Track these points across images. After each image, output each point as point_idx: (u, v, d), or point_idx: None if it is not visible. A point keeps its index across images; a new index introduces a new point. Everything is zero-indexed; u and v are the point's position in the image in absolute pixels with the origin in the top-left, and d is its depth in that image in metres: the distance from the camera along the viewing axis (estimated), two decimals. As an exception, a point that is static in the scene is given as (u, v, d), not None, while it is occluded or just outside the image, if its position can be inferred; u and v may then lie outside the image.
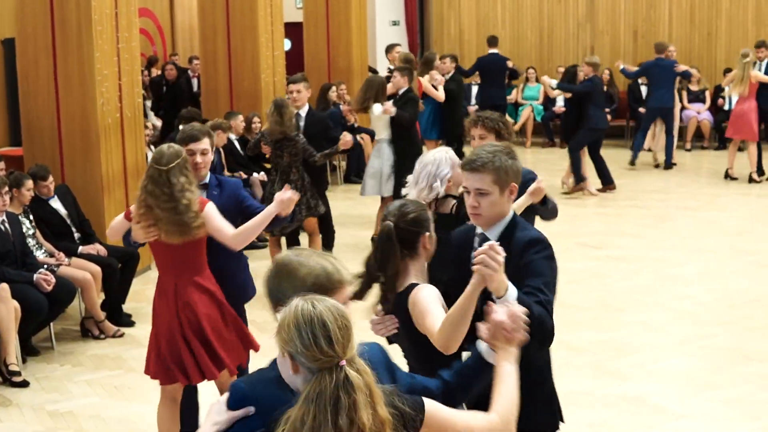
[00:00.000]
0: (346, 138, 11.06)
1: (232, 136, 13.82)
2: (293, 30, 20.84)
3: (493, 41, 19.86)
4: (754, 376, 8.47)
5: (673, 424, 7.58)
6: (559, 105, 21.59)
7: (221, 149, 13.30)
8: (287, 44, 18.99)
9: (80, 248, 10.04)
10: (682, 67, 18.69)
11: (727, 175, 17.42)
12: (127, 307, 10.26)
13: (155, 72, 19.69)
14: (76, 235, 10.26)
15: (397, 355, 4.18)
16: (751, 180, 17.11)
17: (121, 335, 9.81)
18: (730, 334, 9.55)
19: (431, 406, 3.57)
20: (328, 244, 11.93)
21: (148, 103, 18.11)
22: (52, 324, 9.48)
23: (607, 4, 23.12)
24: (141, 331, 9.78)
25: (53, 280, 8.94)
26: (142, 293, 10.97)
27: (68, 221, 10.22)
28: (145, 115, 14.65)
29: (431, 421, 3.54)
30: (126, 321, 10.09)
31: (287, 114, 10.47)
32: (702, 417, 7.69)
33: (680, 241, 13.22)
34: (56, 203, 10.18)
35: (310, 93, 11.76)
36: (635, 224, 14.28)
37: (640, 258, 12.40)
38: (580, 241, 13.24)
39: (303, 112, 11.31)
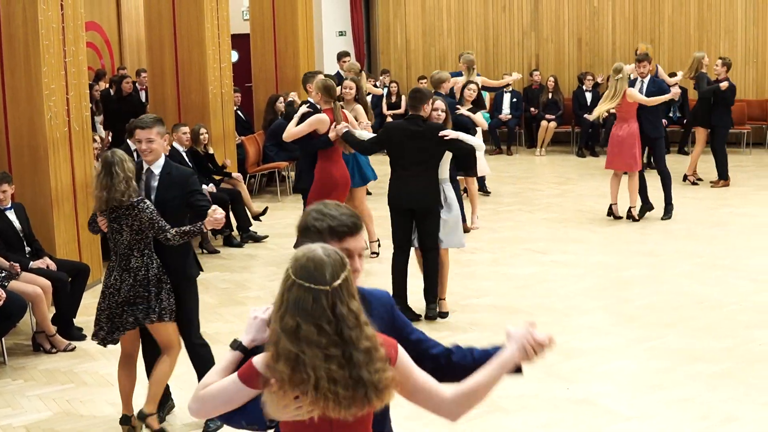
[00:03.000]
0: (215, 215, 7.20)
1: (181, 148, 13.83)
2: (240, 41, 20.86)
3: None
4: (702, 376, 8.61)
5: (621, 426, 7.68)
6: (505, 113, 21.86)
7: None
8: (234, 56, 19.03)
9: (30, 263, 10.04)
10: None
11: (611, 212, 15.19)
12: (78, 321, 10.26)
13: (103, 85, 19.63)
14: (27, 250, 10.25)
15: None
16: (629, 216, 14.96)
17: (73, 349, 9.80)
18: (677, 335, 9.70)
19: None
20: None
21: (98, 118, 18.05)
22: (3, 339, 9.46)
23: (551, 13, 23.35)
24: (92, 345, 9.74)
25: (3, 295, 8.93)
26: (92, 307, 10.90)
27: (21, 235, 10.21)
28: (94, 129, 14.63)
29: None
30: (77, 335, 10.09)
31: (120, 174, 7.28)
32: (650, 418, 7.80)
33: (625, 246, 13.39)
34: (11, 215, 10.18)
35: (168, 142, 8.46)
36: (580, 229, 14.43)
37: (585, 263, 12.55)
38: (526, 247, 13.38)
39: (157, 169, 7.57)
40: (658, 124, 14.99)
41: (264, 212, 15.13)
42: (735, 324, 10.03)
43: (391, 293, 3.99)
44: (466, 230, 13.36)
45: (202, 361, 7.80)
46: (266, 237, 14.32)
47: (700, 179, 17.80)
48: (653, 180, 14.91)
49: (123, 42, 22.83)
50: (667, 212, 14.91)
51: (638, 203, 14.88)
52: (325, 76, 12.47)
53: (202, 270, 8.11)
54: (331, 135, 11.16)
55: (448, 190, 10.25)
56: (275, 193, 17.70)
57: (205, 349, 7.86)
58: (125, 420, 7.74)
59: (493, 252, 13.13)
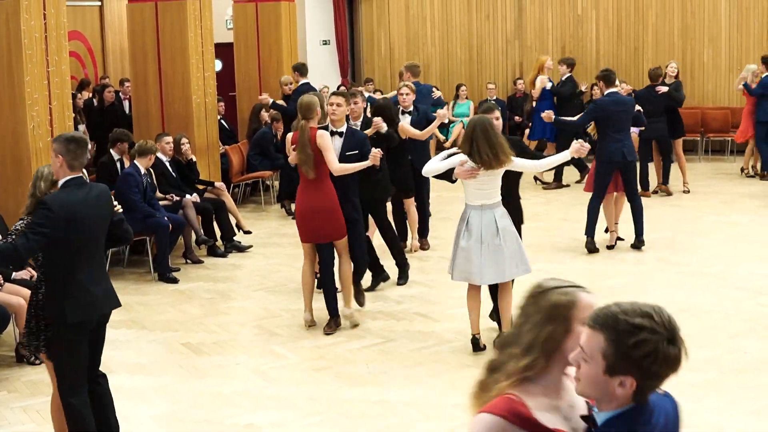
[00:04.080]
0: None
1: (164, 158, 13.80)
2: (224, 50, 20.83)
3: None
4: (687, 386, 8.58)
5: (606, 435, 7.67)
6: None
7: (152, 171, 13.29)
8: (218, 65, 18.98)
9: (13, 273, 9.98)
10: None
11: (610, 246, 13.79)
12: (61, 332, 10.21)
13: (87, 95, 19.58)
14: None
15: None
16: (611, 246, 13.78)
17: (56, 360, 9.75)
18: (661, 344, 9.67)
19: None
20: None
21: (81, 127, 17.99)
22: (-14, 350, 9.43)
23: (535, 21, 23.38)
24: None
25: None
26: (76, 317, 10.93)
27: (1, 246, 10.15)
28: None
29: None
30: (61, 345, 10.03)
31: (31, 190, 7.53)
32: (635, 427, 7.79)
33: (608, 254, 13.37)
34: (-11, 226, 10.14)
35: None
36: (568, 238, 14.41)
37: (569, 271, 12.52)
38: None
39: None
40: (605, 148, 13.30)
41: (248, 233, 15.05)
42: (721, 333, 10.03)
43: None
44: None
45: (69, 422, 7.06)
46: (250, 247, 14.28)
47: (686, 191, 17.80)
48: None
49: (106, 51, 22.79)
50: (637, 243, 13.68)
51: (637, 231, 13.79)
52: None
53: (84, 317, 6.93)
54: (290, 159, 10.40)
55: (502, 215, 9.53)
56: (259, 203, 17.66)
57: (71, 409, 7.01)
58: None
59: (478, 261, 13.10)
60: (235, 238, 14.35)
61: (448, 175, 9.54)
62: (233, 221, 14.67)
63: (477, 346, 9.54)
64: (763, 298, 11.23)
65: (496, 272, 9.38)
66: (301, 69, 16.86)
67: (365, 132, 11.29)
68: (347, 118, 11.11)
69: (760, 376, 8.82)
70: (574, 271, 12.52)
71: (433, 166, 9.46)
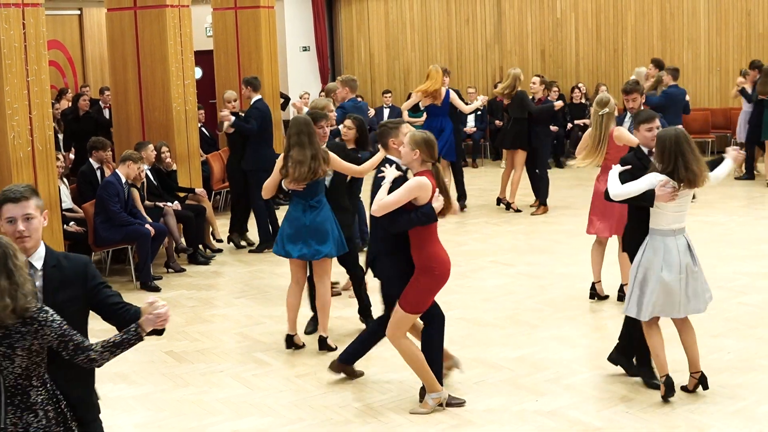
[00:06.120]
0: (155, 311, 5.02)
1: (144, 167, 13.77)
2: (204, 58, 20.82)
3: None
4: (667, 387, 8.63)
5: (589, 437, 7.70)
6: (470, 126, 21.87)
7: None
8: (198, 73, 18.97)
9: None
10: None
11: (594, 292, 11.52)
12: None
13: (66, 104, 19.53)
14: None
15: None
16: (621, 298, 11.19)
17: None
18: (643, 346, 9.70)
19: None
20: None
21: (60, 136, 17.95)
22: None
23: (514, 25, 23.43)
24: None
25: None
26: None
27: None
28: (58, 148, 14.54)
29: None
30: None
31: (22, 270, 4.88)
32: (619, 428, 7.81)
33: (590, 257, 13.36)
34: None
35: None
36: (546, 240, 14.44)
37: (551, 273, 12.55)
38: (493, 259, 13.38)
39: (37, 262, 5.30)
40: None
41: (219, 242, 15.05)
42: (703, 333, 10.01)
43: None
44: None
45: None
46: (220, 251, 14.36)
47: (518, 210, 16.80)
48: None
49: (86, 60, 22.77)
50: None
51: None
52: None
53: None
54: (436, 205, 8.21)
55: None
56: (241, 210, 17.63)
57: None
58: None
59: (460, 265, 13.09)
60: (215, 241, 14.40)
61: (639, 198, 8.30)
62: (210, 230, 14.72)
63: (672, 388, 8.31)
64: (745, 298, 11.29)
65: (698, 302, 8.46)
66: (253, 83, 15.22)
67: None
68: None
69: (742, 376, 8.86)
70: (556, 275, 12.55)
71: (628, 189, 8.27)
